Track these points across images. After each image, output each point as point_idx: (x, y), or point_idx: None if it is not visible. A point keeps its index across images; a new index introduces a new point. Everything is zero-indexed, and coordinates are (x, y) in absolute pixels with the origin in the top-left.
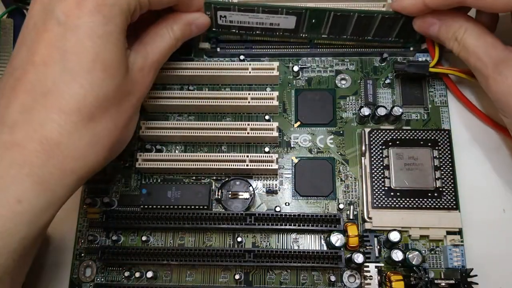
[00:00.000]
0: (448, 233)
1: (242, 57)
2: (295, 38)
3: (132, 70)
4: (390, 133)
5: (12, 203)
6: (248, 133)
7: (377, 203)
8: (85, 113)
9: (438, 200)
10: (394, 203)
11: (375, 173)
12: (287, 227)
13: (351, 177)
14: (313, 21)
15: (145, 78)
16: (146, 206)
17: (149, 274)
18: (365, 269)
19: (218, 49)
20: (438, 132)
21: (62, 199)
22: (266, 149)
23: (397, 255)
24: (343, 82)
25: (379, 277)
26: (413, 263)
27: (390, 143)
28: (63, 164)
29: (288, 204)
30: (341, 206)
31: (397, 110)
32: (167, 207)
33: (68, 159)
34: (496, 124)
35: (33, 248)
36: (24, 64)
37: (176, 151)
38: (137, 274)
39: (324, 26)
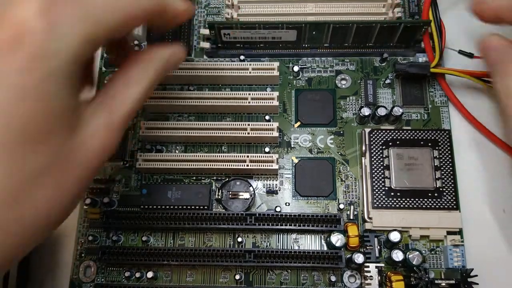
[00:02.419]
0: (448, 233)
1: (242, 57)
2: (298, 49)
3: (88, 128)
4: (390, 133)
5: None
6: (248, 133)
7: (377, 203)
8: (4, 199)
9: (438, 200)
10: (395, 203)
11: (375, 173)
12: (288, 227)
13: (351, 177)
14: (314, 33)
15: (110, 138)
16: (146, 206)
17: (150, 274)
18: (365, 269)
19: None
20: (438, 132)
21: None
22: (267, 149)
23: (398, 255)
24: (343, 82)
25: (379, 277)
26: (414, 263)
27: (390, 143)
28: None
29: (288, 204)
30: (342, 206)
31: (397, 110)
32: (167, 207)
33: None
34: (488, 131)
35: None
36: None
37: (176, 151)
38: (138, 274)
39: (325, 37)
